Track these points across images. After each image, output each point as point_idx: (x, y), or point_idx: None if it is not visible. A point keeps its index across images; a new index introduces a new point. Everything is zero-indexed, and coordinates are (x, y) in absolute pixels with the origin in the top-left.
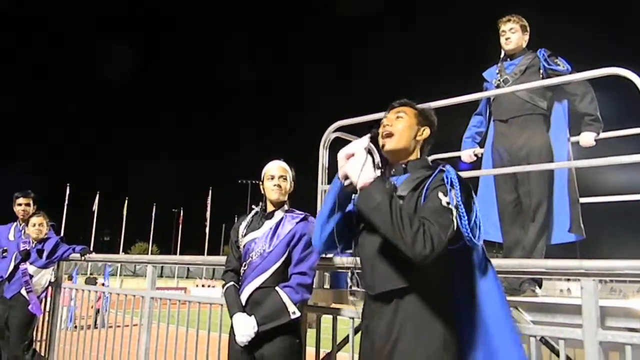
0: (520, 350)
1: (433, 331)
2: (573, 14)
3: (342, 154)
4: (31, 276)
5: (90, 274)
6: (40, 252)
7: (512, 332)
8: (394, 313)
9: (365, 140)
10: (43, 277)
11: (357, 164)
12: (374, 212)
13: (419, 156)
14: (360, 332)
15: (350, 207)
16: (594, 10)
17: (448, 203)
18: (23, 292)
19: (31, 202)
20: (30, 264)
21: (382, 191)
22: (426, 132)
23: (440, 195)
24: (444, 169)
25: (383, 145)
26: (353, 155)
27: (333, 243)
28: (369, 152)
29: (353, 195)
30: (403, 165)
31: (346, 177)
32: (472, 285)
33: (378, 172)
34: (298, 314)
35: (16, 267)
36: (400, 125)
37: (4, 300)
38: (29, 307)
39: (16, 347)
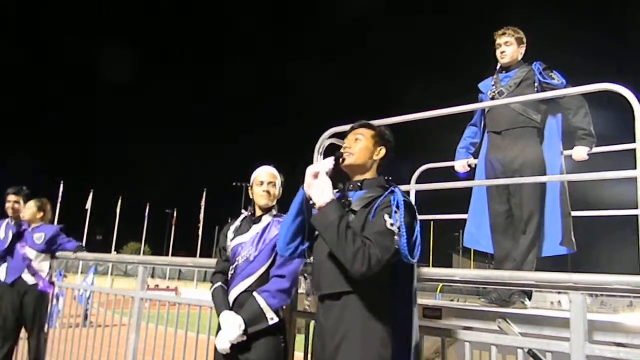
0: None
1: (374, 331)
2: (570, 24)
3: (309, 171)
4: (30, 260)
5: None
6: (39, 237)
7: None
8: (341, 313)
9: (330, 161)
10: (43, 263)
11: (319, 187)
12: (325, 230)
13: (375, 175)
14: (312, 332)
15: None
16: (591, 20)
17: (392, 224)
18: (25, 276)
19: (21, 200)
20: (30, 247)
21: (335, 212)
22: (382, 152)
23: (386, 217)
24: (394, 190)
25: (343, 160)
26: (318, 174)
27: (295, 248)
28: (333, 169)
29: (313, 209)
30: (359, 183)
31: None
32: (409, 289)
33: (335, 194)
34: (276, 319)
35: (12, 250)
36: (357, 147)
37: (10, 290)
38: (39, 288)
39: (37, 334)
